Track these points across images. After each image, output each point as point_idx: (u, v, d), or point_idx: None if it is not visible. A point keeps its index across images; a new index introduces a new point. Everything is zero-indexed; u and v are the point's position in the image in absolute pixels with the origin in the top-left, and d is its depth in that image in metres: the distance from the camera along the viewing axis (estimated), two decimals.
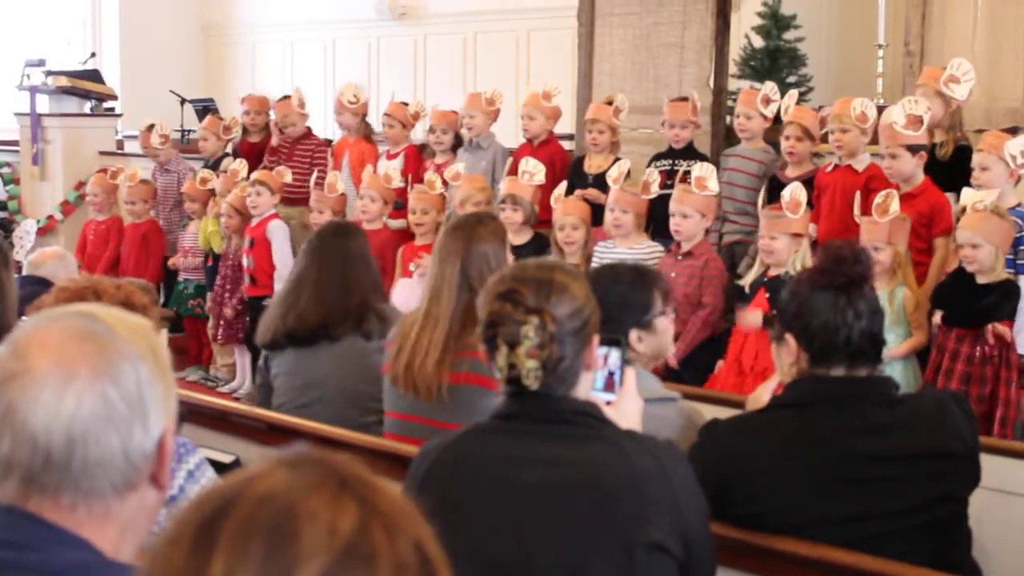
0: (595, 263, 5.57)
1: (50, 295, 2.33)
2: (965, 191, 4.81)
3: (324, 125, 9.55)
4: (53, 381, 1.36)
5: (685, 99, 6.25)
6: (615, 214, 5.57)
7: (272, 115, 7.76)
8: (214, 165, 7.80)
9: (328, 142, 7.89)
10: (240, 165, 7.33)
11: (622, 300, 2.83)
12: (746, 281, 5.22)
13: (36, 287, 3.64)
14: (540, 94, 6.65)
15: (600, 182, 6.14)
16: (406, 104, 7.28)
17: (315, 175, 7.16)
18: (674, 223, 5.34)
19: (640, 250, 5.54)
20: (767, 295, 4.96)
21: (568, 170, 6.50)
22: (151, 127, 8.05)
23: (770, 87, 6.11)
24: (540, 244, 5.83)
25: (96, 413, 1.36)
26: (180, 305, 7.55)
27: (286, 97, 7.65)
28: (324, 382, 3.90)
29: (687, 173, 5.76)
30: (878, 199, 4.83)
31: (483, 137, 6.78)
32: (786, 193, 5.10)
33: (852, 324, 2.48)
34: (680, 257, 5.36)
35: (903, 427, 2.49)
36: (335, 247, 4.02)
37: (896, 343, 4.72)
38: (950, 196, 5.18)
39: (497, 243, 3.41)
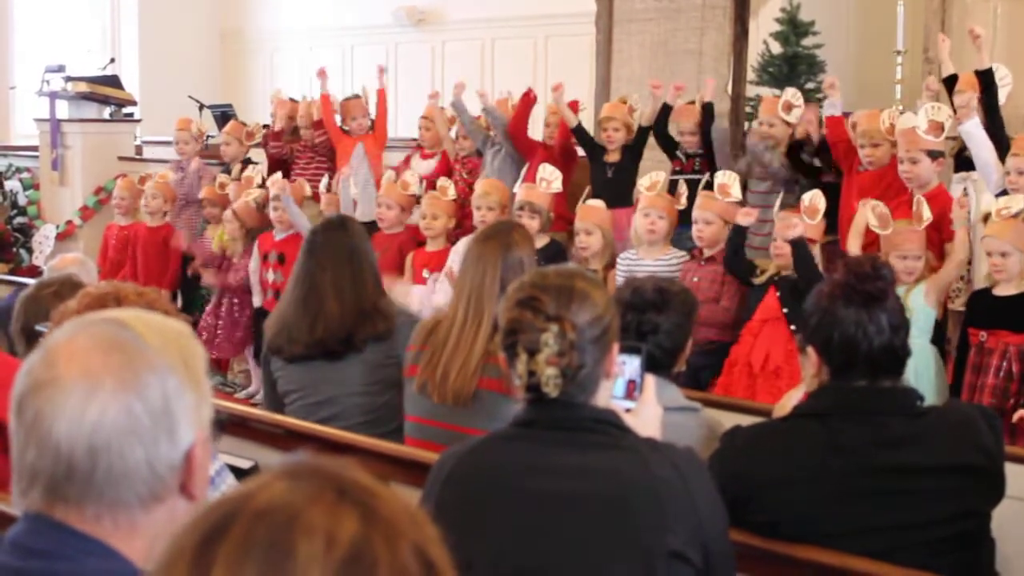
0: (620, 276, 5.46)
1: (74, 300, 2.35)
2: (986, 196, 4.78)
3: None
4: (78, 391, 1.36)
5: (692, 103, 6.32)
6: (650, 219, 5.51)
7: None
8: (230, 170, 7.84)
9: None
10: (255, 172, 7.35)
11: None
12: (760, 281, 5.20)
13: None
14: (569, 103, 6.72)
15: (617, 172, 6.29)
16: (443, 108, 7.45)
17: (325, 181, 7.23)
18: (696, 229, 5.35)
19: (666, 261, 5.49)
20: (777, 294, 4.97)
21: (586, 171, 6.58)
22: (190, 121, 8.21)
23: (792, 93, 6.11)
24: (555, 250, 5.82)
25: (119, 424, 1.36)
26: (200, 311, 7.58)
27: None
28: (342, 399, 3.75)
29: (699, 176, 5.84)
30: (913, 208, 4.82)
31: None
32: (806, 198, 5.09)
33: (872, 339, 2.46)
34: (703, 262, 5.38)
35: (925, 439, 2.47)
36: (341, 243, 3.83)
37: (918, 337, 4.68)
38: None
39: (529, 250, 3.43)
